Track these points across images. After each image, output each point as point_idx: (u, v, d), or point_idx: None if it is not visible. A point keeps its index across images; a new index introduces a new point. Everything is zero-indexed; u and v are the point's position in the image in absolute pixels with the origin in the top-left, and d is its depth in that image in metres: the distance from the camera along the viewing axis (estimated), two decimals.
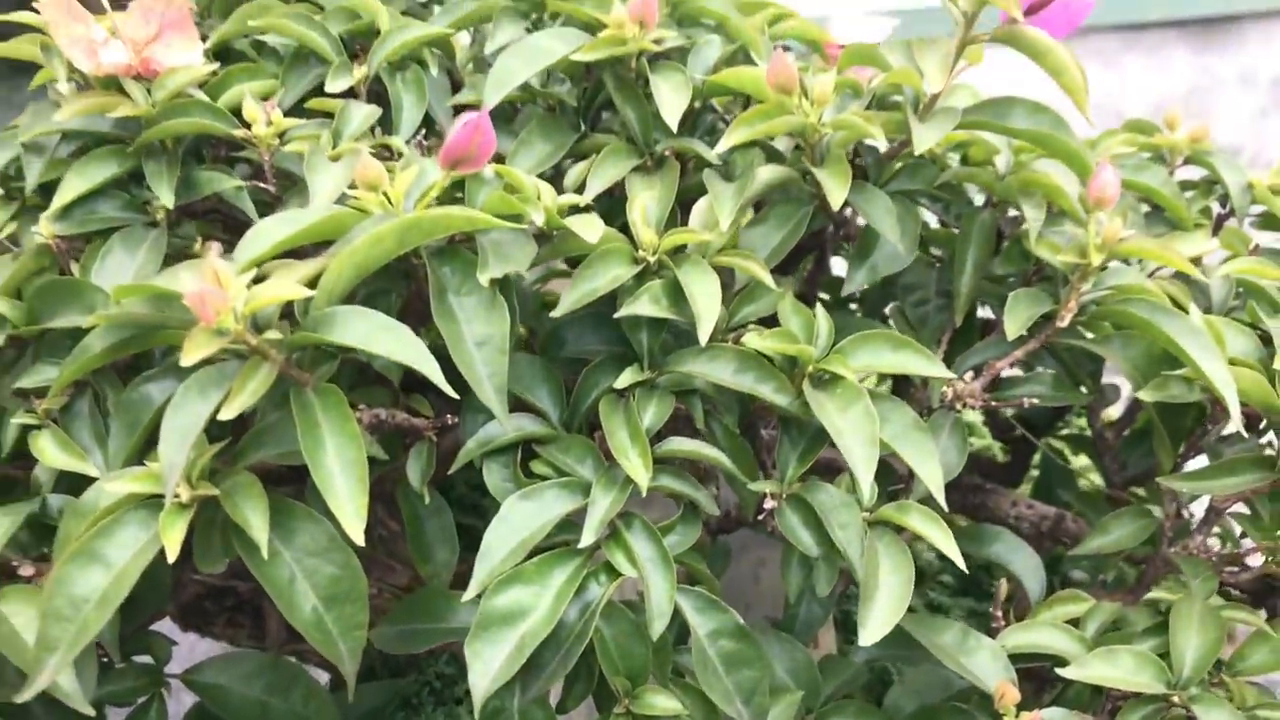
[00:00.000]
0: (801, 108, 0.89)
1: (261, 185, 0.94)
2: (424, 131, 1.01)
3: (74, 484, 0.86)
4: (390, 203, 0.79)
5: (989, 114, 0.94)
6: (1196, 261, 1.10)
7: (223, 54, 1.06)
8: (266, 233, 0.78)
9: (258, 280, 0.75)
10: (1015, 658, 0.88)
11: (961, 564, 0.80)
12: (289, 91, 1.00)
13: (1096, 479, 1.34)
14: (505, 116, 1.01)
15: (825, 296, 1.26)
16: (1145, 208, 1.16)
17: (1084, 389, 1.05)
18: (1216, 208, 1.23)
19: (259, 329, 0.74)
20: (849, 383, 0.83)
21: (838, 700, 0.94)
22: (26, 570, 0.92)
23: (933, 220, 1.13)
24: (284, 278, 0.76)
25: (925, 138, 0.88)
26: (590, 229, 0.83)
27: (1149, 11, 4.03)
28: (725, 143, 0.88)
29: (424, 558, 0.92)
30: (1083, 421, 1.45)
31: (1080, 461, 1.44)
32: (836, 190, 0.87)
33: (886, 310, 1.14)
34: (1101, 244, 0.91)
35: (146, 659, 0.98)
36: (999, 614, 0.94)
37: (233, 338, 0.72)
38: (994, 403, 0.97)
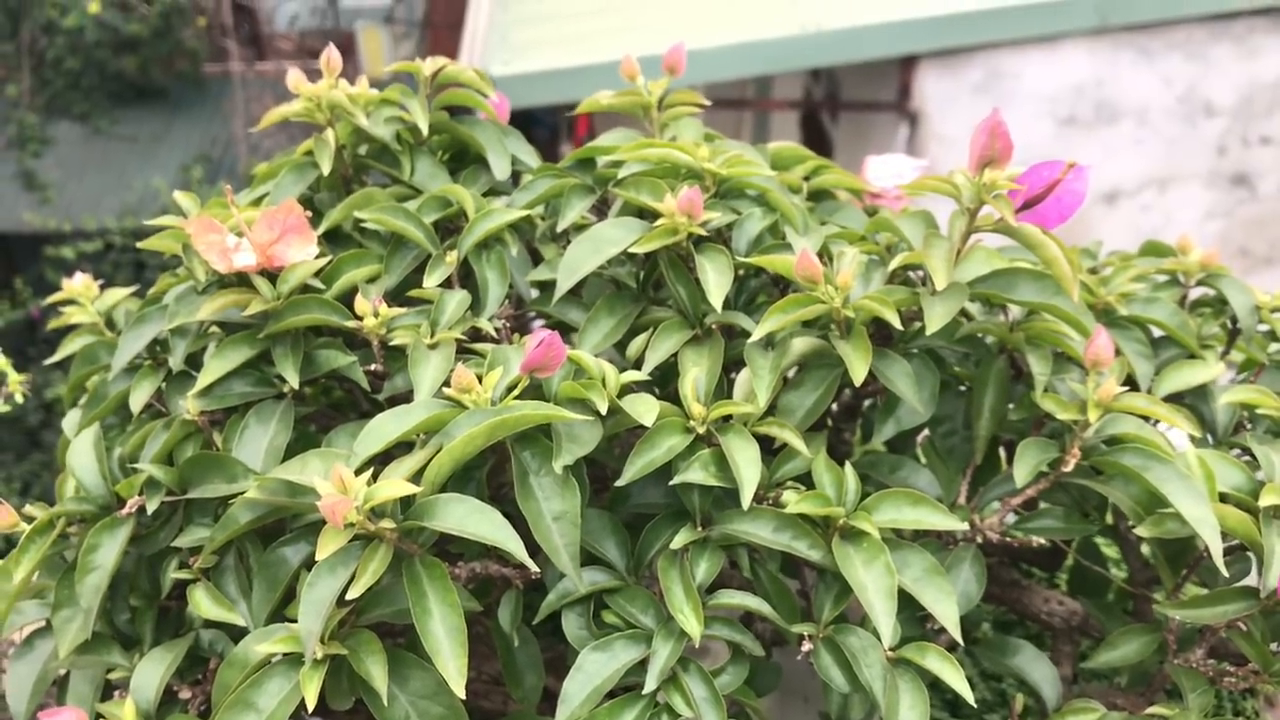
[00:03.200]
0: (827, 292, 1.02)
1: (371, 369, 1.10)
2: (507, 301, 1.18)
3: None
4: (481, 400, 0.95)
5: (996, 286, 1.07)
6: (1203, 389, 1.22)
7: (333, 235, 1.23)
8: (380, 431, 0.94)
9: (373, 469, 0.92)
10: None
11: (972, 701, 0.93)
12: (391, 275, 1.17)
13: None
14: (574, 289, 1.15)
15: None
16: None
17: (1091, 520, 1.17)
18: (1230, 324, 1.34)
19: (377, 516, 0.90)
20: (873, 539, 0.96)
21: None
22: (185, 694, 1.10)
23: None
24: (396, 472, 0.92)
25: (936, 317, 1.01)
26: (647, 412, 0.98)
27: (1238, 0, 4.04)
28: (761, 330, 1.02)
29: (515, 683, 1.07)
30: None
31: (1114, 552, 1.55)
32: (859, 366, 1.01)
33: (919, 440, 1.27)
34: (1098, 401, 1.03)
35: None
36: None
37: (357, 528, 0.88)
38: (1008, 538, 1.10)
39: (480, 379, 0.97)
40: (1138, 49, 4.38)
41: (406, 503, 0.93)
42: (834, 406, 1.40)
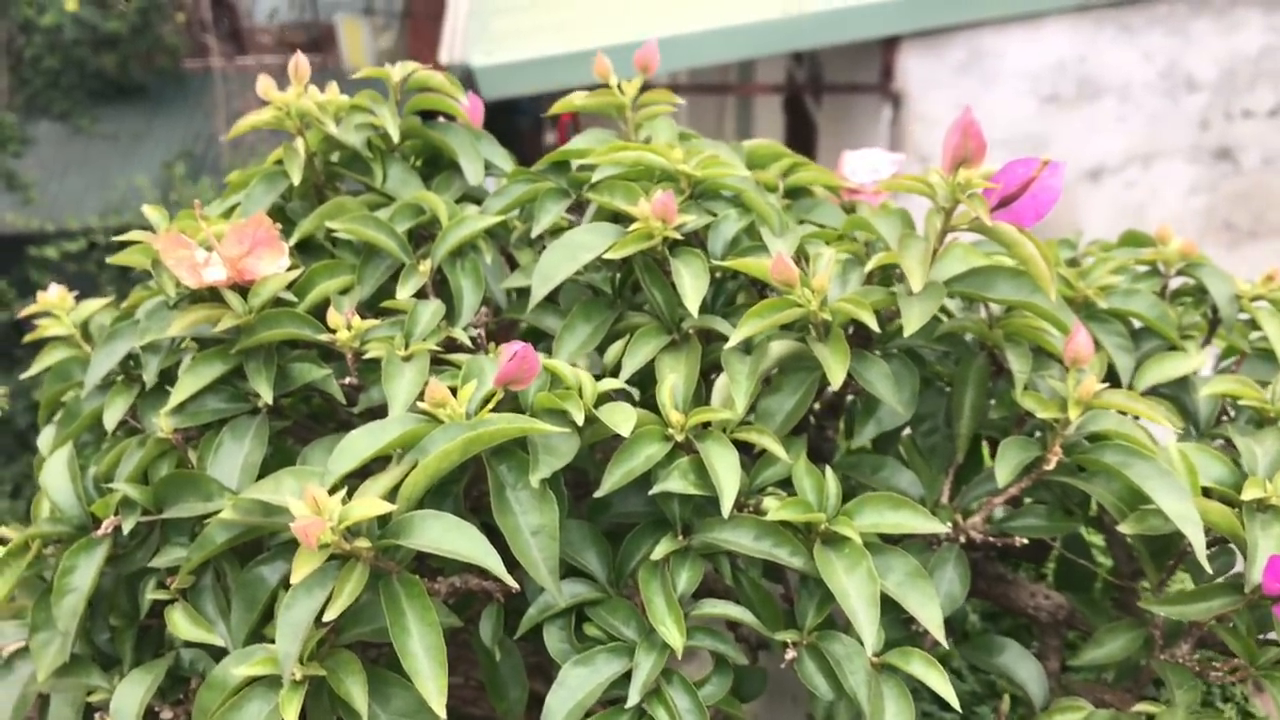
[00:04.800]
0: (804, 295, 1.01)
1: (347, 382, 1.09)
2: (483, 309, 1.16)
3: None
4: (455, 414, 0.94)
5: (974, 284, 1.06)
6: (1184, 380, 1.22)
7: (305, 245, 1.22)
8: (354, 448, 0.93)
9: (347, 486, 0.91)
10: None
11: (957, 706, 0.93)
12: (364, 285, 1.15)
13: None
14: (550, 295, 1.14)
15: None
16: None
17: (1075, 516, 1.16)
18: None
19: (352, 535, 0.89)
20: (855, 544, 0.96)
21: None
22: (166, 714, 1.09)
23: None
24: (370, 490, 0.91)
25: (914, 318, 1.00)
26: (624, 422, 0.97)
27: None
28: (737, 336, 1.01)
29: (499, 696, 1.06)
30: None
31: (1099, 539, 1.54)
32: (837, 369, 1.00)
33: (901, 438, 1.26)
34: (1079, 399, 1.03)
35: None
36: None
37: (332, 548, 0.87)
38: (992, 537, 1.09)
39: (455, 391, 0.96)
40: (1119, 25, 4.38)
41: (383, 520, 0.92)
42: (816, 404, 1.40)
